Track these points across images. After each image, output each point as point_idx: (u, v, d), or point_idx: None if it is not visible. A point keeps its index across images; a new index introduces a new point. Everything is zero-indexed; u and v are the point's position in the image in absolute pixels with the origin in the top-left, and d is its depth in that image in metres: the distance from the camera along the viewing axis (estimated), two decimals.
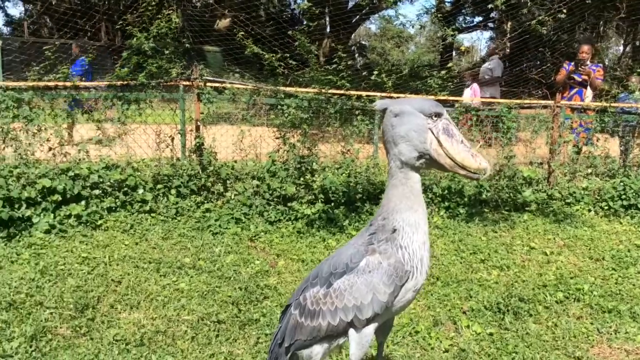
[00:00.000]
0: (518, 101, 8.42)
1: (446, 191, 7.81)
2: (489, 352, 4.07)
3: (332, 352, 2.84)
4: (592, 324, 4.56)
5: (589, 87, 10.12)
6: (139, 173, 7.20)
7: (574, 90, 10.23)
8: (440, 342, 4.24)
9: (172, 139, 7.43)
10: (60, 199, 6.50)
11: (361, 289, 2.52)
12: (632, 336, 4.34)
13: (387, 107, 2.55)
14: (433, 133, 2.47)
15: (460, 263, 5.95)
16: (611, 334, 4.39)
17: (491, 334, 4.35)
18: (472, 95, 11.15)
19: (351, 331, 2.61)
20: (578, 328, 4.47)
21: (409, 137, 2.46)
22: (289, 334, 2.78)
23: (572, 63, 10.19)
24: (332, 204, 7.42)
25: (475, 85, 11.67)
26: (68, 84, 7.01)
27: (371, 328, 2.59)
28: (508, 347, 4.13)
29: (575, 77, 10.15)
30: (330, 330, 2.64)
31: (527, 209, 7.83)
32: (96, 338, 4.20)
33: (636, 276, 5.61)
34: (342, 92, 7.71)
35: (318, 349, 2.75)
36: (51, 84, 6.93)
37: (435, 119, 2.48)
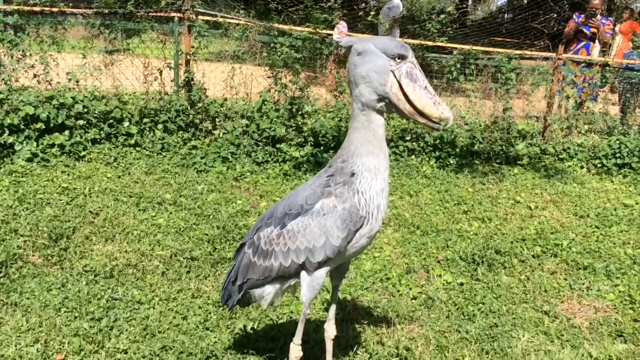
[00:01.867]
0: (518, 52, 8.15)
1: (438, 141, 7.69)
2: (456, 301, 4.06)
3: (284, 293, 2.81)
4: (565, 279, 4.54)
5: (597, 41, 9.82)
6: (126, 106, 7.08)
7: (582, 44, 9.93)
8: (410, 289, 4.23)
9: (161, 73, 7.26)
10: (43, 127, 6.42)
11: (314, 232, 2.46)
12: (603, 294, 4.32)
13: (352, 44, 2.42)
14: (395, 76, 2.34)
15: (443, 213, 5.90)
16: (583, 290, 4.37)
17: (461, 284, 4.33)
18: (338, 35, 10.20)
19: (303, 273, 2.57)
20: (550, 283, 4.44)
21: (369, 77, 2.34)
22: (241, 273, 2.75)
23: (582, 15, 9.84)
24: (322, 147, 7.33)
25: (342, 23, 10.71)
26: (54, 9, 6.78)
27: (323, 271, 2.55)
28: (476, 297, 4.12)
29: (584, 29, 9.83)
30: (282, 271, 2.60)
31: (518, 162, 7.73)
32: (66, 268, 4.20)
33: (618, 235, 5.56)
34: (335, 32, 7.46)
35: (270, 289, 2.72)
36: (37, 8, 6.71)
37: (399, 61, 2.35)
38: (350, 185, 2.43)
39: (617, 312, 4.08)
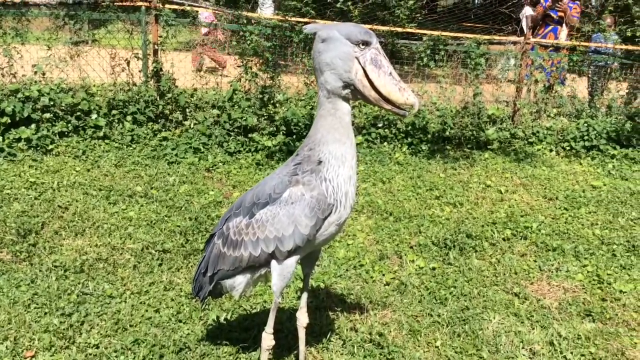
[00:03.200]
0: (487, 37, 8.22)
1: (410, 127, 7.73)
2: (428, 285, 4.10)
3: (256, 283, 2.80)
4: (535, 261, 4.61)
5: (564, 25, 9.95)
6: (93, 98, 6.96)
7: (549, 28, 10.06)
8: (383, 275, 4.26)
9: (128, 63, 7.15)
10: (9, 121, 6.29)
11: (283, 221, 2.46)
12: (572, 274, 4.40)
13: (316, 31, 2.41)
14: (360, 62, 2.33)
15: (416, 199, 5.94)
16: (552, 271, 4.45)
17: (434, 269, 4.38)
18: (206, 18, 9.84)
19: (273, 262, 2.56)
20: (520, 265, 4.52)
21: (334, 64, 2.32)
22: (212, 264, 2.73)
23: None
24: (294, 136, 7.31)
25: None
26: (16, 0, 6.62)
27: (293, 260, 2.54)
28: (448, 281, 4.17)
29: (552, 13, 9.95)
30: (252, 261, 2.59)
31: (489, 147, 7.81)
32: (35, 264, 4.13)
33: (586, 216, 5.67)
34: (307, 20, 7.42)
35: (241, 279, 2.71)
36: None
37: (363, 47, 2.33)
38: (317, 173, 2.43)
39: (585, 292, 4.16)
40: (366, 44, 2.33)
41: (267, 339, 2.68)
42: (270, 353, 2.76)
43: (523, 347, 3.42)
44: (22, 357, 3.09)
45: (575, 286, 4.24)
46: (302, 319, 2.85)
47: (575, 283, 4.29)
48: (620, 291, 4.17)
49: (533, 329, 3.64)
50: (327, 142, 2.42)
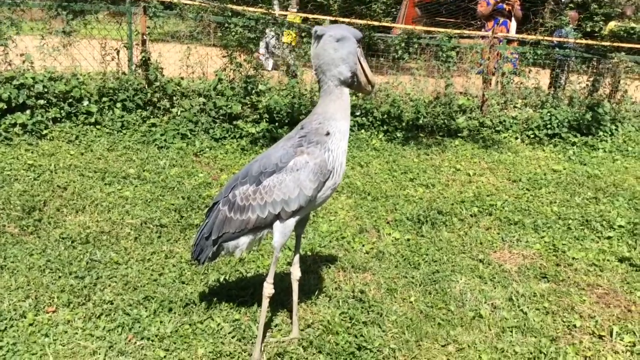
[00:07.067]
0: (457, 31, 8.74)
1: (385, 116, 8.21)
2: (403, 253, 4.57)
3: (257, 243, 3.23)
4: (498, 234, 5.12)
5: (513, 19, 10.59)
6: (85, 85, 7.26)
7: (500, 22, 10.66)
8: (363, 245, 4.71)
9: (118, 52, 7.47)
10: (5, 107, 6.57)
11: (289, 185, 2.90)
12: (530, 244, 4.92)
13: (325, 32, 2.86)
14: (357, 55, 2.89)
15: (391, 181, 6.41)
16: (513, 242, 4.96)
17: (408, 240, 4.86)
18: None
19: (276, 223, 3.00)
20: (485, 237, 5.02)
21: (348, 59, 2.86)
22: (217, 228, 3.14)
23: None
24: (277, 123, 7.72)
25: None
26: None
27: (293, 220, 3.00)
28: (421, 250, 4.65)
29: (499, 8, 10.59)
30: (258, 223, 3.02)
31: (459, 135, 8.34)
32: (43, 236, 4.48)
33: (546, 196, 6.21)
34: (288, 13, 7.82)
35: (244, 240, 3.14)
36: None
37: (358, 44, 2.87)
38: (322, 144, 2.90)
39: (542, 259, 4.68)
40: (359, 41, 2.85)
41: (268, 288, 3.11)
42: (269, 301, 3.19)
43: (486, 302, 3.91)
44: (44, 312, 3.46)
45: (533, 254, 4.76)
46: (296, 273, 3.30)
47: (533, 251, 4.81)
48: (573, 258, 4.70)
49: (495, 288, 4.14)
50: (335, 119, 2.93)
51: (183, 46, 7.88)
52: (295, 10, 10.02)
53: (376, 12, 8.05)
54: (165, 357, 3.15)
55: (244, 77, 7.70)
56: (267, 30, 8.33)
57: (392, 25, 8.27)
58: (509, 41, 9.53)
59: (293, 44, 8.90)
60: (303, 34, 8.19)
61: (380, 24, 8.13)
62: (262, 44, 8.29)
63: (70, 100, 7.03)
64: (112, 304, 3.58)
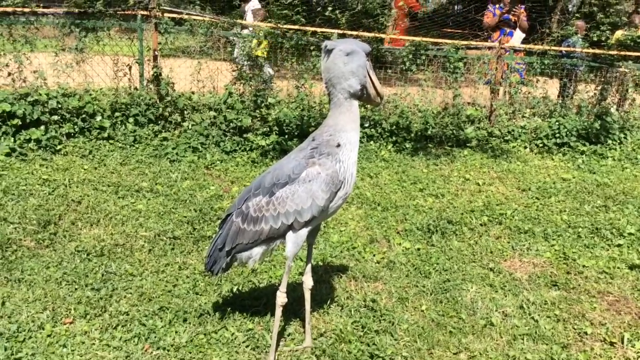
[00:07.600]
0: (464, 42, 8.82)
1: (394, 127, 8.27)
2: (414, 263, 4.61)
3: (270, 253, 3.29)
4: (508, 242, 5.15)
5: (518, 29, 10.64)
6: (97, 101, 7.39)
7: (506, 32, 10.72)
8: (374, 255, 4.76)
9: (130, 68, 7.60)
10: (20, 123, 6.70)
11: (302, 196, 2.96)
12: (541, 252, 4.95)
13: (335, 47, 2.94)
14: (367, 68, 2.97)
15: (401, 191, 6.46)
16: (523, 250, 4.99)
17: (418, 249, 4.89)
18: None
19: (289, 233, 3.07)
20: (495, 245, 5.05)
21: (357, 72, 2.94)
22: (230, 239, 3.20)
23: (497, 6, 10.67)
24: (286, 135, 7.80)
25: None
26: (26, 9, 7.04)
27: (306, 230, 3.06)
28: (431, 259, 4.69)
29: (505, 19, 10.66)
30: (271, 233, 3.08)
31: (468, 145, 8.38)
32: (59, 249, 4.56)
33: (556, 204, 6.23)
34: (297, 27, 7.93)
35: (257, 250, 3.20)
36: (9, 9, 6.96)
37: (367, 57, 2.95)
38: (333, 155, 2.97)
39: (552, 267, 4.70)
40: (368, 54, 2.92)
41: (281, 297, 3.16)
42: (282, 310, 3.24)
43: (497, 310, 3.94)
44: (61, 324, 3.53)
45: (543, 262, 4.78)
46: (308, 282, 3.35)
47: (543, 259, 4.83)
48: (584, 266, 4.72)
49: (506, 296, 4.16)
50: (346, 130, 3.00)
51: (194, 61, 7.99)
52: (258, 19, 9.62)
53: (383, 25, 8.14)
54: None
55: (253, 91, 7.80)
56: (235, 39, 8.27)
57: (400, 37, 8.33)
58: (515, 51, 9.59)
59: (265, 55, 8.83)
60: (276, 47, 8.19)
61: (388, 36, 8.22)
62: (236, 51, 8.31)
63: (84, 115, 7.15)
64: (128, 314, 3.64)
